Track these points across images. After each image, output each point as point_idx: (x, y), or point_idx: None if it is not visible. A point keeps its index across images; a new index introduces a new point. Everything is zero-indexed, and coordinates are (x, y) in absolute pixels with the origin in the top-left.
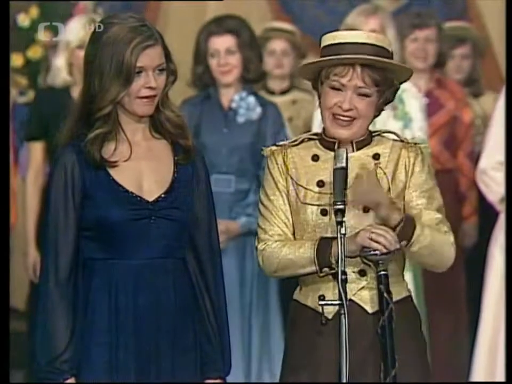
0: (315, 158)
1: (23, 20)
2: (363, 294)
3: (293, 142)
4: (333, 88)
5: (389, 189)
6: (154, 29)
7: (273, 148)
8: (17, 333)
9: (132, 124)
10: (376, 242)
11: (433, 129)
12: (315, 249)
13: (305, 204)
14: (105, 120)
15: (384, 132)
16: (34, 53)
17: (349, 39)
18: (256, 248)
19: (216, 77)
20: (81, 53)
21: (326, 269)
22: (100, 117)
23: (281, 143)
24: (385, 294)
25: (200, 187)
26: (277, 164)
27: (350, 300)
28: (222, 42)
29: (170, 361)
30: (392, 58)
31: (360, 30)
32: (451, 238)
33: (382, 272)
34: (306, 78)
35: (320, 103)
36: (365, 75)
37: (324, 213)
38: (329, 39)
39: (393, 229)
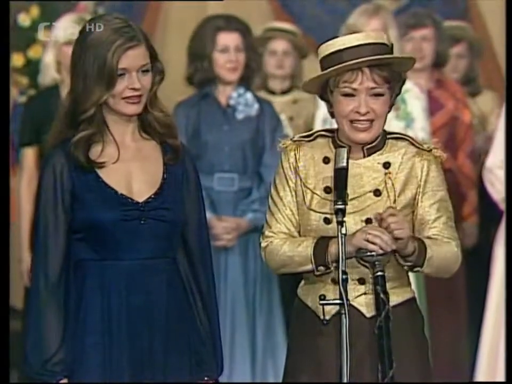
0: (326, 160)
1: (24, 20)
2: (361, 298)
3: (306, 137)
4: (345, 95)
5: (395, 201)
6: (138, 29)
7: (288, 142)
8: (15, 332)
9: (120, 124)
10: (372, 243)
11: (433, 130)
12: (312, 247)
13: (310, 209)
14: (90, 122)
15: (398, 137)
16: (35, 52)
17: (348, 44)
18: (260, 244)
19: (221, 73)
20: (69, 50)
21: (321, 268)
22: (84, 119)
23: (295, 137)
24: (381, 295)
25: (190, 187)
26: (289, 160)
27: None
28: (232, 39)
29: (164, 362)
30: (392, 51)
31: (356, 33)
32: (455, 247)
33: (379, 273)
34: (313, 92)
35: (332, 112)
36: (374, 75)
37: (326, 221)
38: (327, 48)
39: (406, 257)
